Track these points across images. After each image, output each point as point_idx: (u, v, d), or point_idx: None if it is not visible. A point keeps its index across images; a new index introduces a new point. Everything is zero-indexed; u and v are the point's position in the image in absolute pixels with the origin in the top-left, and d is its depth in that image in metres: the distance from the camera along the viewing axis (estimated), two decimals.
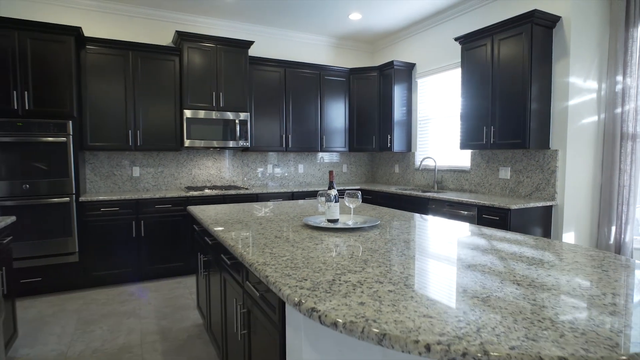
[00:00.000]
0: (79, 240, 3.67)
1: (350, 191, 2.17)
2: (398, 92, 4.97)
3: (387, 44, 5.52)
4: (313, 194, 4.77)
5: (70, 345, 2.64)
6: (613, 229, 3.15)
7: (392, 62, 4.86)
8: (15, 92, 3.40)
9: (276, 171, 5.26)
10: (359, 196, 2.18)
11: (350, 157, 5.79)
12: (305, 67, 4.97)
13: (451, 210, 3.65)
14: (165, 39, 4.53)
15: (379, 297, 1.04)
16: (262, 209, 2.76)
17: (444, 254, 1.50)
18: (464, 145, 3.87)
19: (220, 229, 2.04)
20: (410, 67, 5.00)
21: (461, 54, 3.86)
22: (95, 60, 3.91)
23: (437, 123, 4.70)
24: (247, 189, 4.58)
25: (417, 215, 2.51)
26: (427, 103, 4.86)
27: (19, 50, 3.40)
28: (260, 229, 2.02)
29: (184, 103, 4.26)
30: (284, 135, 4.93)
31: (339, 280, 1.18)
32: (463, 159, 4.33)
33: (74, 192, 3.63)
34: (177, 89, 4.28)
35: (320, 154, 5.55)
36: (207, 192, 4.22)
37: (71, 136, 3.60)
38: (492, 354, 0.74)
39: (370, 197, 4.89)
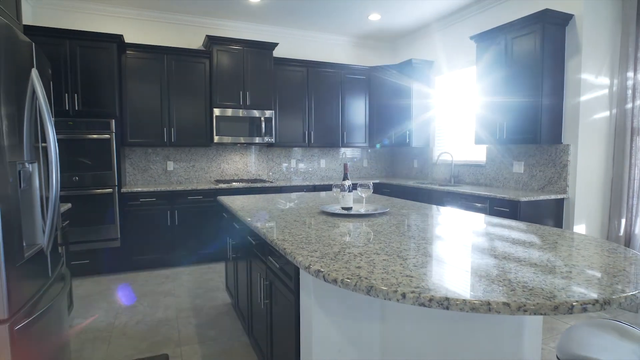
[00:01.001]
0: (120, 227, 4.06)
1: (362, 183, 2.40)
2: (416, 89, 5.12)
3: (407, 42, 5.67)
4: (328, 188, 5.00)
5: (116, 317, 3.00)
6: (623, 221, 3.23)
7: (410, 60, 5.02)
8: (66, 94, 3.81)
9: (300, 166, 5.53)
10: (371, 187, 2.41)
11: (371, 152, 5.99)
12: (327, 66, 5.20)
13: (465, 202, 3.81)
14: (196, 42, 4.87)
15: (374, 263, 1.28)
16: (284, 200, 3.03)
17: (437, 234, 1.71)
18: (478, 141, 4.00)
19: (247, 215, 2.31)
20: (428, 65, 5.14)
21: (476, 52, 3.99)
22: (134, 64, 4.28)
23: (455, 119, 4.83)
24: (271, 182, 4.87)
25: (425, 205, 2.71)
26: (445, 99, 5.00)
27: (70, 57, 3.80)
28: (281, 215, 2.28)
29: (214, 102, 4.59)
30: (306, 132, 5.18)
31: (344, 252, 1.43)
32: (479, 154, 4.46)
33: (116, 184, 4.02)
34: (207, 89, 4.61)
35: (342, 149, 5.77)
36: (235, 184, 4.54)
37: (114, 133, 3.98)
38: (451, 299, 0.97)
39: (389, 191, 5.08)
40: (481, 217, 2.21)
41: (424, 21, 4.96)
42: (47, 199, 1.77)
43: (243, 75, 4.70)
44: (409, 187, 4.68)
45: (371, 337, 1.46)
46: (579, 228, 3.46)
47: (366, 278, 1.12)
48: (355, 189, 2.48)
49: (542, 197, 3.36)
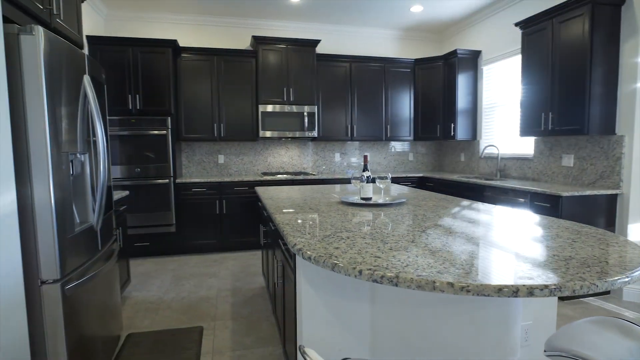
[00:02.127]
0: (175, 214, 4.50)
1: (381, 175, 2.47)
2: (462, 80, 4.97)
3: (453, 33, 5.50)
4: (373, 181, 5.05)
5: (165, 292, 3.38)
6: None
7: (455, 51, 4.88)
8: (130, 95, 4.30)
9: (344, 159, 5.65)
10: (389, 178, 2.47)
11: (417, 145, 5.91)
12: (369, 60, 5.24)
13: (505, 197, 3.67)
14: (244, 43, 5.17)
15: (353, 245, 1.38)
16: (315, 191, 3.18)
17: (438, 224, 1.74)
18: (523, 132, 3.82)
19: (271, 202, 2.50)
20: (475, 55, 4.96)
21: (521, 39, 3.79)
22: (188, 65, 4.69)
23: (503, 110, 4.62)
24: (314, 174, 5.05)
25: (451, 197, 2.70)
26: (493, 90, 4.79)
27: (132, 61, 4.28)
28: (301, 204, 2.43)
29: (259, 99, 4.86)
30: (349, 126, 5.28)
31: (334, 235, 1.54)
32: (527, 146, 4.23)
33: (172, 175, 4.46)
34: (254, 87, 4.90)
35: (388, 143, 5.78)
36: (278, 177, 4.79)
37: (170, 129, 4.41)
38: (401, 276, 1.05)
39: (432, 185, 5.01)
40: (496, 209, 2.17)
41: (468, 10, 4.79)
42: (99, 183, 2.09)
43: (287, 72, 4.92)
44: (450, 181, 4.58)
45: (361, 316, 1.56)
46: (635, 227, 3.18)
47: (335, 257, 1.23)
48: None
49: (589, 192, 3.14)
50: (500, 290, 0.98)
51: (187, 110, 4.72)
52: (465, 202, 2.46)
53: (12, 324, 1.53)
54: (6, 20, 1.63)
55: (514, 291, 0.97)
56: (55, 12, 2.01)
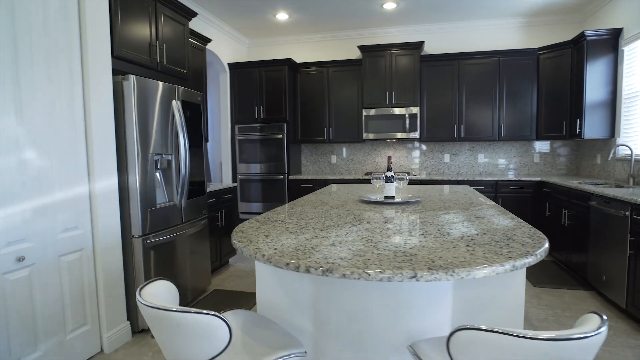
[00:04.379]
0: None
1: (399, 175, 2.61)
2: (595, 68, 4.17)
3: (589, 12, 4.59)
4: (479, 183, 4.77)
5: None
6: None
7: (582, 33, 4.14)
8: (256, 107, 5.37)
9: (453, 161, 5.46)
10: (406, 178, 2.61)
11: (543, 146, 5.18)
12: (481, 55, 4.93)
13: (605, 207, 3.05)
14: (352, 53, 5.64)
15: (303, 234, 1.74)
16: (364, 190, 3.44)
17: (421, 224, 1.89)
18: None
19: (310, 199, 2.95)
20: (614, 34, 4.08)
21: None
22: (304, 78, 5.48)
23: None
24: (414, 175, 5.13)
25: (484, 202, 2.57)
26: (638, 75, 3.86)
27: (258, 79, 5.33)
28: (331, 200, 2.80)
29: (364, 103, 5.25)
30: (455, 126, 5.11)
31: (304, 227, 1.92)
32: None
33: (286, 172, 5.33)
34: (360, 92, 5.32)
35: (504, 143, 5.28)
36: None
37: (285, 134, 5.29)
38: (332, 262, 1.41)
39: (548, 190, 4.39)
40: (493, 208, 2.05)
41: None
42: (180, 175, 2.98)
43: (390, 76, 5.14)
44: (562, 187, 3.97)
45: (304, 292, 1.90)
46: None
47: (254, 243, 1.65)
48: (392, 180, 2.68)
49: None
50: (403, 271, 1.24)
51: (303, 116, 5.53)
52: (485, 206, 2.35)
53: (113, 259, 2.49)
54: (117, 72, 2.62)
55: (390, 278, 1.22)
56: (159, 61, 2.98)
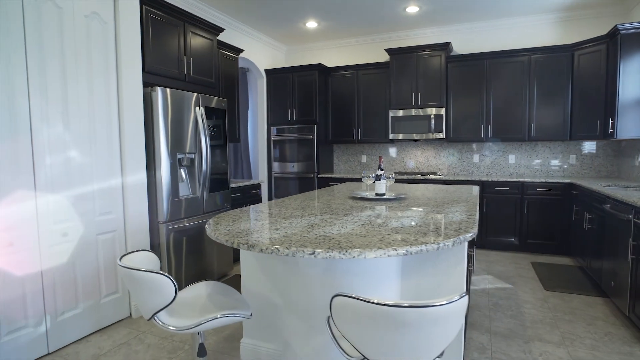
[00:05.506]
0: None
1: (387, 174, 2.81)
2: (627, 64, 3.94)
3: (634, 2, 4.30)
4: (504, 185, 4.69)
5: None
6: None
7: (615, 27, 3.93)
8: (289, 109, 5.76)
9: (481, 161, 5.40)
10: (392, 177, 2.79)
11: (580, 146, 4.93)
12: (510, 54, 4.84)
13: (613, 209, 2.95)
14: (381, 56, 5.79)
15: (268, 221, 2.07)
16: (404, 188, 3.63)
17: (379, 214, 2.12)
18: None
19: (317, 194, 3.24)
20: None
21: None
22: (335, 81, 5.76)
23: None
24: (440, 175, 5.17)
25: (465, 198, 2.67)
26: None
27: (291, 84, 5.72)
28: (330, 195, 3.07)
29: (390, 104, 5.40)
30: (483, 126, 5.06)
31: (273, 216, 2.24)
32: None
33: (315, 170, 5.65)
34: (387, 94, 5.48)
35: (536, 144, 5.11)
36: (398, 176, 5.22)
37: (315, 135, 5.61)
38: (255, 241, 1.75)
39: (577, 193, 4.22)
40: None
41: None
42: (202, 172, 3.43)
43: (416, 77, 5.24)
44: (586, 190, 3.82)
45: (281, 275, 2.21)
46: None
47: (219, 225, 2.00)
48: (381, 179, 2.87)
49: None
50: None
51: (334, 117, 5.81)
52: (457, 204, 2.47)
53: (140, 239, 3.00)
54: (148, 84, 3.12)
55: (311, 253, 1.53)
56: (187, 72, 3.46)
